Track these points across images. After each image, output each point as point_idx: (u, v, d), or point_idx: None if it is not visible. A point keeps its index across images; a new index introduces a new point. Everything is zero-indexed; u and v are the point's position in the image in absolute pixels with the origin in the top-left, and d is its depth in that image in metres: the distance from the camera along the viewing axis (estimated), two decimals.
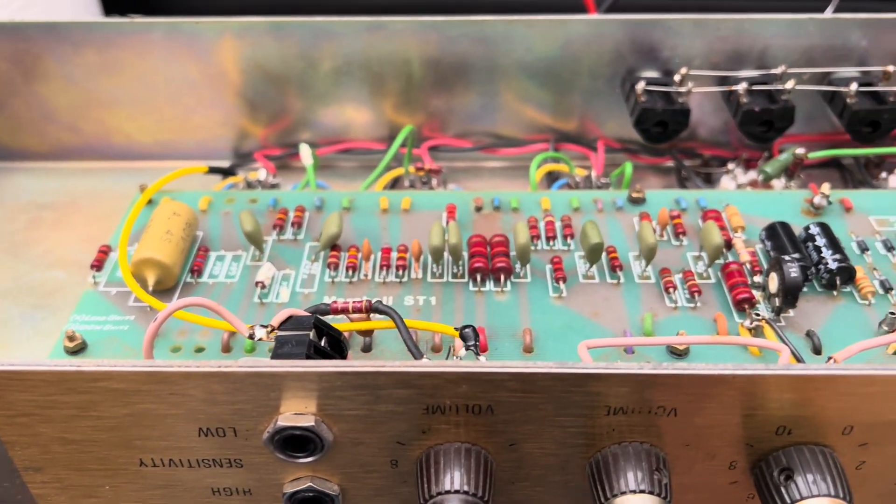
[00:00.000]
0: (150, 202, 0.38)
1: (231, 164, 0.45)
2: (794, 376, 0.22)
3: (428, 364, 0.23)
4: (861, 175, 0.44)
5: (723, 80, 0.42)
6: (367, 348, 0.30)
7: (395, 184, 0.44)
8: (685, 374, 0.22)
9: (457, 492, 0.23)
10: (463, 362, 0.23)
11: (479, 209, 0.37)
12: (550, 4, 0.54)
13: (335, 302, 0.28)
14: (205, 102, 0.45)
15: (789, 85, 0.41)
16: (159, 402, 0.23)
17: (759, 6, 0.50)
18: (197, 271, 0.34)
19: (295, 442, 0.24)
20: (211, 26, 0.41)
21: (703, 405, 0.23)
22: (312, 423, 0.23)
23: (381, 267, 0.34)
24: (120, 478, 0.26)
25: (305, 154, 0.40)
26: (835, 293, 0.33)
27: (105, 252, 0.35)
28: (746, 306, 0.32)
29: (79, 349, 0.30)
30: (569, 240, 0.35)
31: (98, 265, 0.34)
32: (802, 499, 0.23)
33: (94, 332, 0.31)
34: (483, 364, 0.23)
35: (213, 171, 0.42)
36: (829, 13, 0.42)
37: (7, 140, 0.46)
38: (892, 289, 0.33)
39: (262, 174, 0.43)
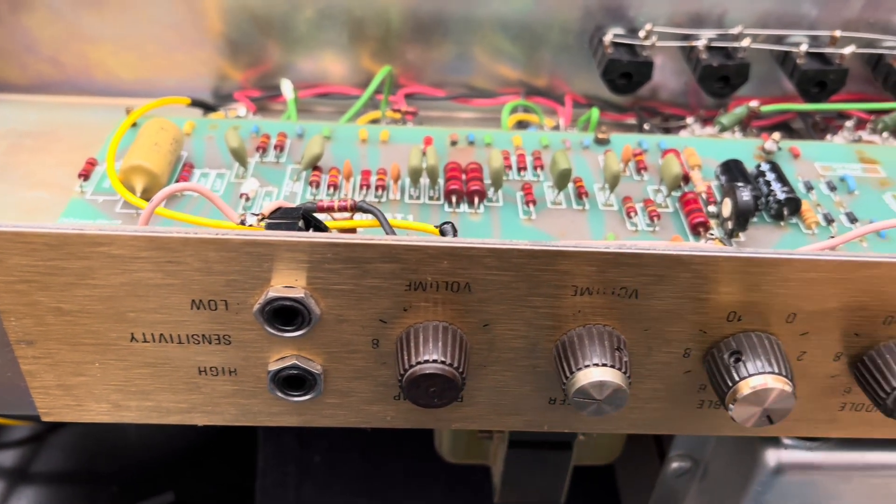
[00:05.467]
0: (134, 125, 0.39)
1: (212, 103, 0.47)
2: (745, 258, 0.25)
3: (413, 239, 0.25)
4: (809, 135, 0.47)
5: (684, 39, 0.45)
6: None
7: None
8: (646, 254, 0.25)
9: (434, 361, 0.25)
10: (445, 238, 0.25)
11: (454, 143, 0.39)
12: None
13: (321, 200, 0.29)
14: (187, 41, 0.46)
15: (745, 43, 0.43)
16: (156, 269, 0.25)
17: None
18: None
19: (284, 314, 0.26)
20: None
21: (661, 287, 0.25)
22: (302, 295, 0.25)
23: (361, 187, 0.36)
24: (110, 354, 0.27)
25: (287, 88, 0.42)
26: (781, 223, 0.35)
27: (92, 164, 0.36)
28: (701, 229, 0.34)
29: None
30: (539, 171, 0.38)
31: (85, 175, 0.35)
32: (750, 376, 0.26)
33: None
34: (463, 240, 0.24)
35: (195, 103, 0.43)
36: None
37: None
38: (833, 221, 0.35)
39: (241, 111, 0.44)
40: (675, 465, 0.40)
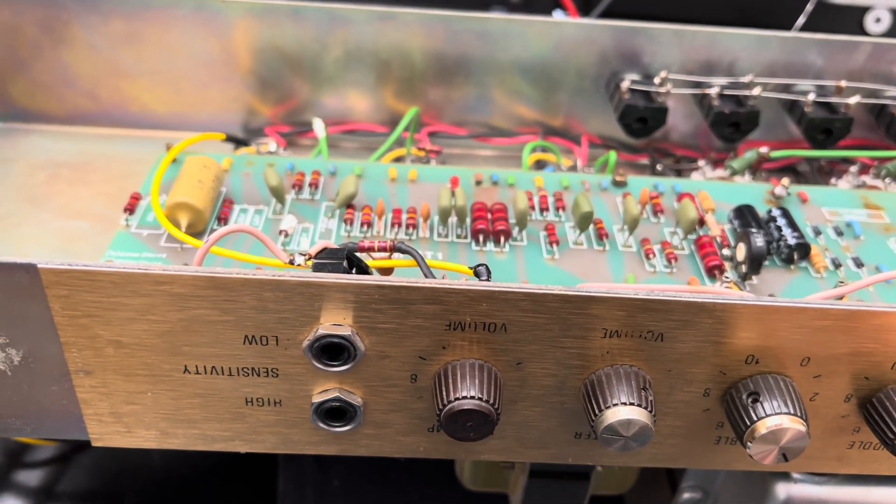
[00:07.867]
0: (174, 161, 0.40)
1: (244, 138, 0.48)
2: (762, 306, 0.27)
3: (455, 283, 0.26)
4: (815, 179, 0.49)
5: (697, 86, 0.47)
6: None
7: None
8: (673, 300, 0.26)
9: (472, 397, 0.27)
10: (485, 283, 0.27)
11: (478, 183, 0.41)
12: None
13: (362, 241, 0.31)
14: (220, 78, 0.48)
15: (755, 91, 0.45)
16: (213, 307, 0.26)
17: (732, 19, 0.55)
18: (223, 220, 0.37)
19: (331, 351, 0.27)
20: (235, 6, 0.45)
21: (685, 331, 0.27)
22: (349, 333, 0.27)
23: (393, 225, 0.37)
24: (163, 384, 0.29)
25: (319, 127, 0.44)
26: (792, 267, 0.37)
27: (136, 199, 0.37)
28: (717, 272, 0.36)
29: None
30: (560, 212, 0.39)
31: (130, 209, 0.37)
32: (767, 416, 0.27)
33: None
34: (502, 285, 0.26)
35: (229, 139, 0.45)
36: (793, 32, 0.47)
37: (26, 102, 0.48)
38: (840, 265, 0.37)
39: (272, 146, 0.46)
40: (686, 496, 0.41)
